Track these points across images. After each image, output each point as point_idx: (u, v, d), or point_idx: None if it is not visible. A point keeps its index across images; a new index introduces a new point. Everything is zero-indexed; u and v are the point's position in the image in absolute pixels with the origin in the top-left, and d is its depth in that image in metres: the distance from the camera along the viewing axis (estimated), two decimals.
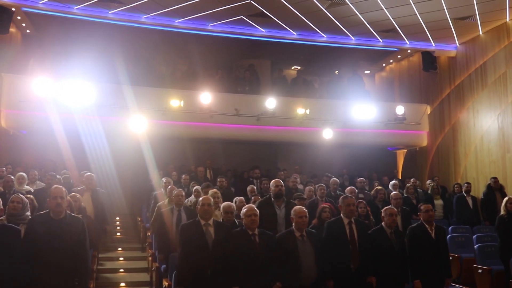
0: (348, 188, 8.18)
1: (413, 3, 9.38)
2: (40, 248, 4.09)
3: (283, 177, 11.32)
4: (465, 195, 9.43)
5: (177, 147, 12.25)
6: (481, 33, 10.86)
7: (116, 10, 10.20)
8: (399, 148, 13.50)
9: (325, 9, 9.75)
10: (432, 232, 5.64)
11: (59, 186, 4.54)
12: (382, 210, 5.63)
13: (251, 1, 9.52)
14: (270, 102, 11.26)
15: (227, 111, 11.16)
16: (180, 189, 6.79)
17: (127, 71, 11.14)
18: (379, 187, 8.52)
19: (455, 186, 10.45)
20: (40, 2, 9.93)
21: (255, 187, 8.43)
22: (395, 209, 5.74)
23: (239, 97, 11.77)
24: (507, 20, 10.27)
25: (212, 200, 5.06)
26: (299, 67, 15.23)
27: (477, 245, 7.57)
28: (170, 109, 10.68)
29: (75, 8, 10.13)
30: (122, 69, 11.13)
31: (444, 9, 9.63)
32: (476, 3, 9.38)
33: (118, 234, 10.35)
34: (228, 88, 12.37)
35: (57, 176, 8.21)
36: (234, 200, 6.75)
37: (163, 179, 8.23)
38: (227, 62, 14.43)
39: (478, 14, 9.89)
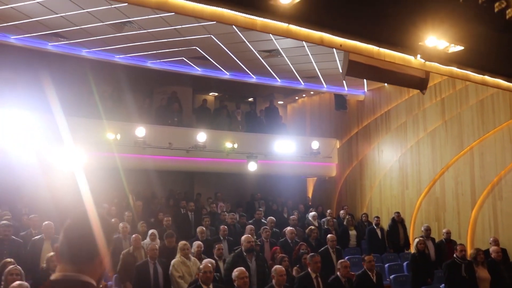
0: (289, 228, 9.28)
1: (338, 61, 10.74)
2: None
3: (209, 203, 12.19)
4: (375, 227, 11.06)
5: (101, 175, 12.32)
6: (386, 84, 12.66)
7: (56, 43, 10.10)
8: (309, 176, 14.98)
9: (262, 59, 10.71)
10: (374, 277, 6.96)
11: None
12: (338, 262, 6.78)
13: (197, 48, 10.12)
14: (201, 136, 11.92)
15: (160, 143, 11.59)
16: (154, 243, 7.24)
17: (60, 100, 10.99)
18: (313, 227, 9.72)
19: (363, 215, 12.13)
20: None
21: (204, 228, 9.07)
22: (348, 262, 6.89)
23: (171, 130, 12.25)
24: None
25: (212, 266, 5.73)
26: (216, 93, 16.05)
27: (392, 275, 9.10)
28: (106, 142, 10.82)
29: (12, 37, 9.84)
30: (55, 98, 10.95)
31: None
32: None
33: None
34: (158, 120, 12.76)
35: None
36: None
37: (120, 224, 8.51)
38: (148, 88, 14.74)
39: None
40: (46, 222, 7.62)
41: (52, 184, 10.76)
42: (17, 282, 4.47)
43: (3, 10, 8.39)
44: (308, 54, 10.40)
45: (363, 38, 4.15)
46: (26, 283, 4.56)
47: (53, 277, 1.55)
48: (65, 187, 11.00)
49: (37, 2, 8.02)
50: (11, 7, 8.27)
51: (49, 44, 10.16)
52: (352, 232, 11.17)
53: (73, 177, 10.54)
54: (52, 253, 6.41)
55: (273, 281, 5.98)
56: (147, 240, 8.32)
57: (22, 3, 8.06)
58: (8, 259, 5.77)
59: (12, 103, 9.98)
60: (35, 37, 9.78)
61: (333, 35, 4.08)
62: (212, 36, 9.36)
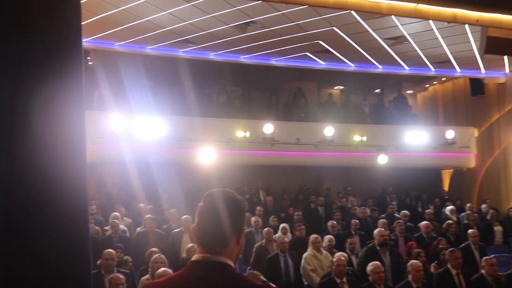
0: (424, 222, 8.78)
1: (473, 41, 9.90)
2: None
3: (339, 198, 12.06)
4: None
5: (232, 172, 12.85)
6: None
7: (187, 49, 10.76)
8: (444, 168, 14.06)
9: (388, 47, 10.29)
10: None
11: None
12: (483, 259, 6.22)
13: (320, 41, 10.06)
14: (328, 130, 11.80)
15: (288, 139, 11.71)
16: (283, 236, 7.38)
17: (193, 103, 11.72)
18: (451, 221, 9.08)
19: (510, 210, 11.02)
20: (116, 44, 10.50)
21: (335, 223, 8.98)
22: (495, 260, 6.30)
23: (298, 125, 12.36)
24: None
25: (345, 260, 5.66)
26: (342, 87, 15.80)
27: None
28: (235, 140, 11.25)
29: (148, 48, 10.70)
30: (189, 101, 11.71)
31: None
32: None
33: None
34: (284, 115, 12.95)
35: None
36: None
37: (252, 218, 8.80)
38: (274, 85, 14.99)
39: None
40: (185, 216, 8.12)
41: (186, 182, 11.51)
42: (162, 268, 4.84)
43: (140, 24, 9.18)
44: (437, 38, 9.73)
45: (503, 9, 3.72)
46: (169, 270, 4.91)
47: (193, 258, 1.63)
48: (199, 185, 11.74)
49: (168, 12, 8.61)
50: (146, 20, 9.01)
51: (180, 50, 10.86)
52: (497, 228, 10.19)
53: (206, 175, 11.21)
54: (191, 244, 6.83)
55: (409, 276, 5.70)
56: (279, 233, 8.47)
57: (155, 15, 8.73)
58: (154, 249, 6.28)
59: (151, 109, 10.84)
60: (167, 45, 10.52)
61: (468, 9, 3.73)
62: (334, 28, 9.23)
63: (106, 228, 8.57)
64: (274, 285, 1.62)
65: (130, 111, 10.90)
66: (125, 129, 10.50)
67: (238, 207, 1.67)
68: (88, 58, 11.78)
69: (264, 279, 1.71)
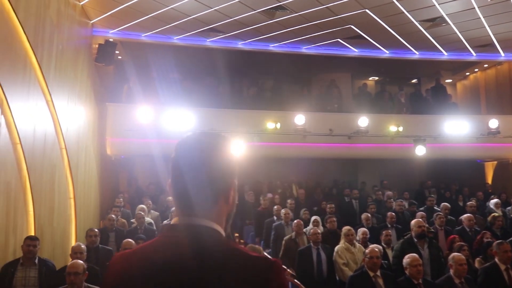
0: (466, 215, 8.19)
1: None
2: None
3: (375, 191, 11.55)
4: None
5: (265, 165, 12.48)
6: None
7: (214, 38, 10.49)
8: (488, 160, 13.29)
9: (425, 30, 9.72)
10: None
11: None
12: None
13: (352, 26, 9.59)
14: (363, 121, 11.30)
15: (320, 131, 11.27)
16: (315, 228, 6.99)
17: (220, 94, 11.46)
18: (496, 214, 8.44)
19: None
20: (143, 35, 10.33)
21: (369, 215, 8.51)
22: None
23: (331, 116, 11.89)
24: None
25: (380, 252, 5.22)
26: (376, 78, 15.20)
27: None
28: (265, 132, 10.89)
29: (175, 38, 10.49)
30: (217, 93, 11.44)
31: None
32: None
33: None
34: (317, 107, 12.50)
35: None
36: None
37: (282, 210, 8.44)
38: (306, 77, 14.55)
39: None
40: None
41: None
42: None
43: (166, 12, 8.94)
44: (479, 18, 9.12)
45: None
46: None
47: (172, 222, 1.28)
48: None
49: None
50: (171, 8, 8.77)
51: (208, 40, 10.59)
52: None
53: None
54: None
55: (451, 271, 5.21)
56: (310, 226, 8.08)
57: (180, 2, 8.46)
58: None
59: (181, 101, 10.60)
60: (194, 35, 10.27)
61: None
62: (367, 10, 8.76)
63: (132, 220, 8.40)
64: (272, 258, 1.23)
65: (159, 104, 10.73)
66: (154, 122, 10.32)
67: (223, 155, 1.27)
68: (117, 52, 11.68)
69: (268, 256, 1.40)
